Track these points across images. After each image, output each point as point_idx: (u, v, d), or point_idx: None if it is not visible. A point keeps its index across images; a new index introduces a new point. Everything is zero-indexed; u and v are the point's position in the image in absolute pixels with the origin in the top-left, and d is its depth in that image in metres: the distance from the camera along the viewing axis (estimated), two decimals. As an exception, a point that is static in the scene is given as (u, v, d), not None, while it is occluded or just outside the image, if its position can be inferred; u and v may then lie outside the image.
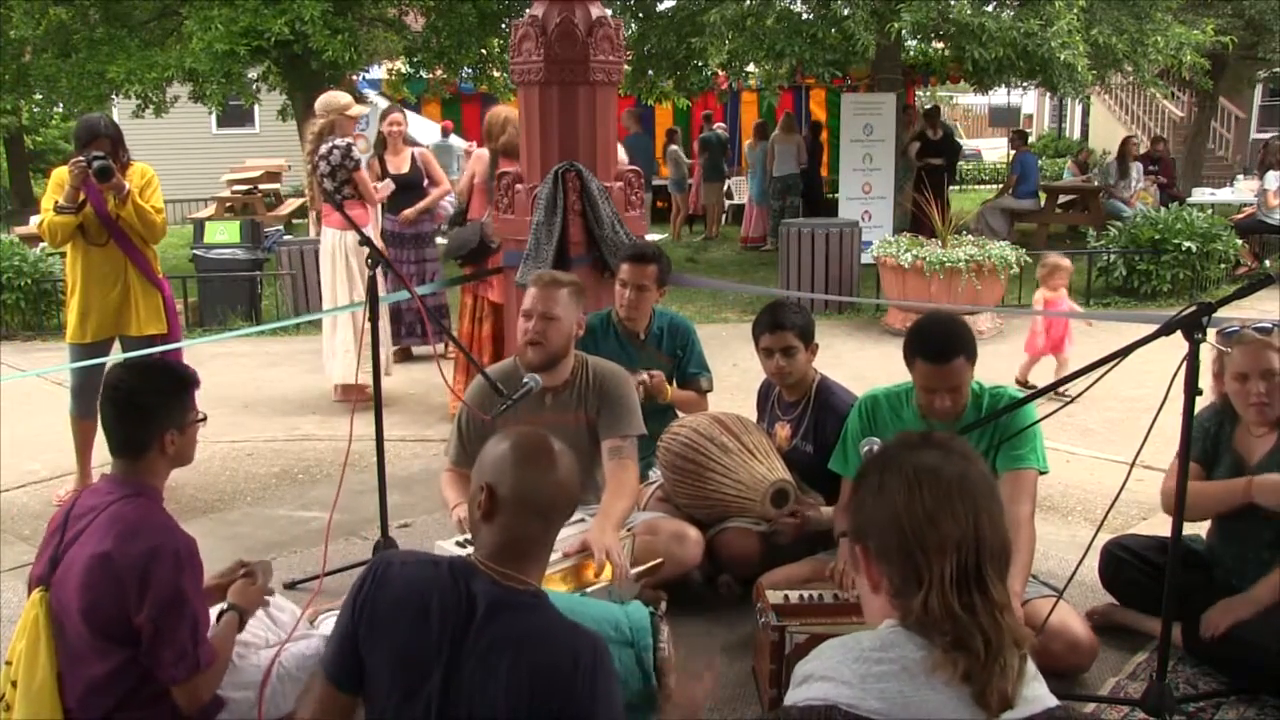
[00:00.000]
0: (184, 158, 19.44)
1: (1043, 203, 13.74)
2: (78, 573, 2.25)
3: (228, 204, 15.55)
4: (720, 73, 12.56)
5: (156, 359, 2.64)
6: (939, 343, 2.93)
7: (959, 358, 2.92)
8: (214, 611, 2.62)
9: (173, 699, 2.30)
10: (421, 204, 7.10)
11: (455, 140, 15.62)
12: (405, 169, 7.13)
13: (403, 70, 13.54)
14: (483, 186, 5.80)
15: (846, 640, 1.44)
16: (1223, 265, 9.66)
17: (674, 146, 15.43)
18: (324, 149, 6.03)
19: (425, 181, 7.22)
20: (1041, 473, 3.03)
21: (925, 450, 1.45)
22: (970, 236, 8.92)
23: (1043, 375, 6.19)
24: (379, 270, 3.57)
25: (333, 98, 6.23)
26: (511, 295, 4.66)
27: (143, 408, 2.43)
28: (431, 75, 13.45)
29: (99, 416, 2.49)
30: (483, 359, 5.68)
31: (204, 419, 2.58)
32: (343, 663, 1.88)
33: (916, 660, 1.35)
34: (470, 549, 1.94)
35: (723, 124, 17.55)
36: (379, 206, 6.58)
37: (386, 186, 6.66)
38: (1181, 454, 2.61)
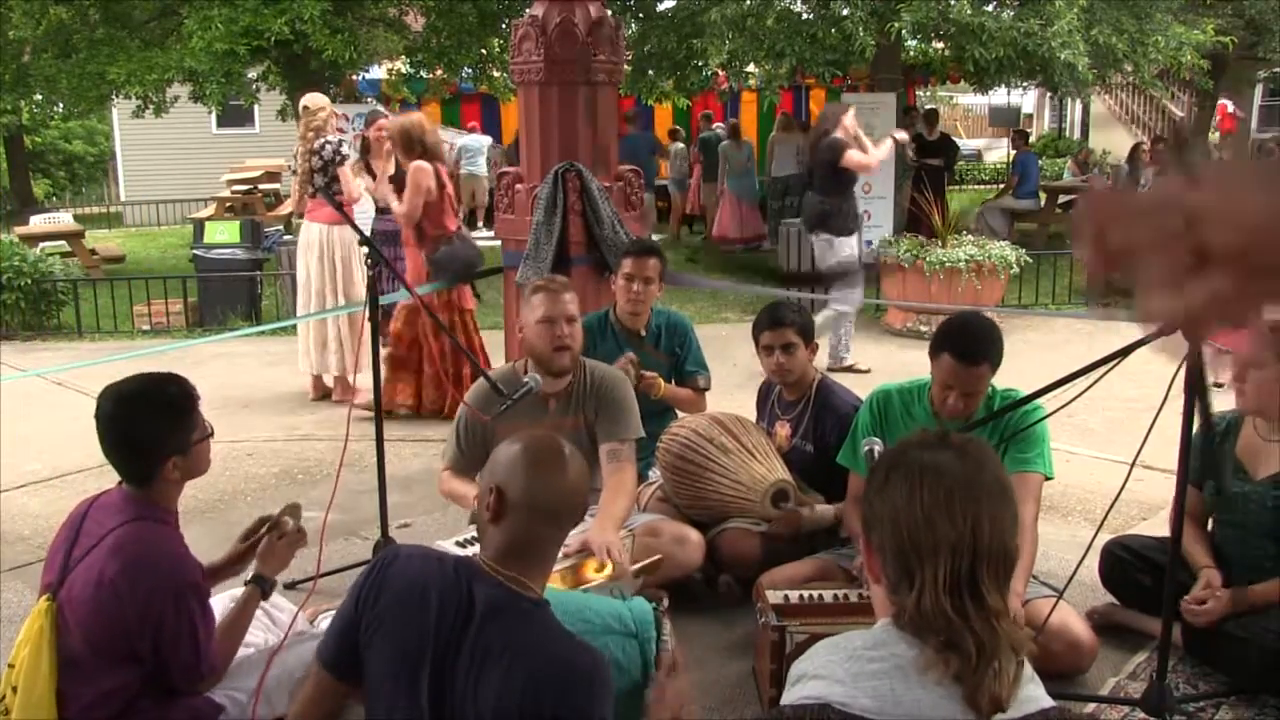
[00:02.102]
0: (184, 158, 19.44)
1: (1043, 203, 13.74)
2: (85, 597, 2.27)
3: (228, 204, 15.54)
4: (720, 73, 12.55)
5: (149, 381, 2.43)
6: (973, 344, 2.93)
7: (985, 364, 2.92)
8: (221, 601, 2.62)
9: (170, 709, 2.35)
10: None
11: (481, 138, 15.68)
12: (392, 172, 7.13)
13: (403, 70, 13.54)
14: (438, 198, 5.59)
15: (839, 640, 1.44)
16: (1223, 265, 9.66)
17: (678, 144, 15.47)
18: (317, 144, 6.14)
19: None
20: (1047, 478, 3.03)
21: (938, 450, 1.44)
22: (970, 236, 8.93)
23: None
24: (376, 269, 3.58)
25: (319, 96, 6.36)
26: (513, 297, 4.66)
27: (138, 442, 2.36)
28: (431, 75, 13.46)
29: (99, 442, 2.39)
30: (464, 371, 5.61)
31: (210, 434, 2.48)
32: (340, 650, 1.89)
33: (908, 659, 1.35)
34: (471, 549, 1.94)
35: (723, 124, 17.55)
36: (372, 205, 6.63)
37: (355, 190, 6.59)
38: (1181, 453, 2.61)
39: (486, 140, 15.86)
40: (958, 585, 1.35)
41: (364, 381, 6.10)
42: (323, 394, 6.47)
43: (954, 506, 1.37)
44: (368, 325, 3.58)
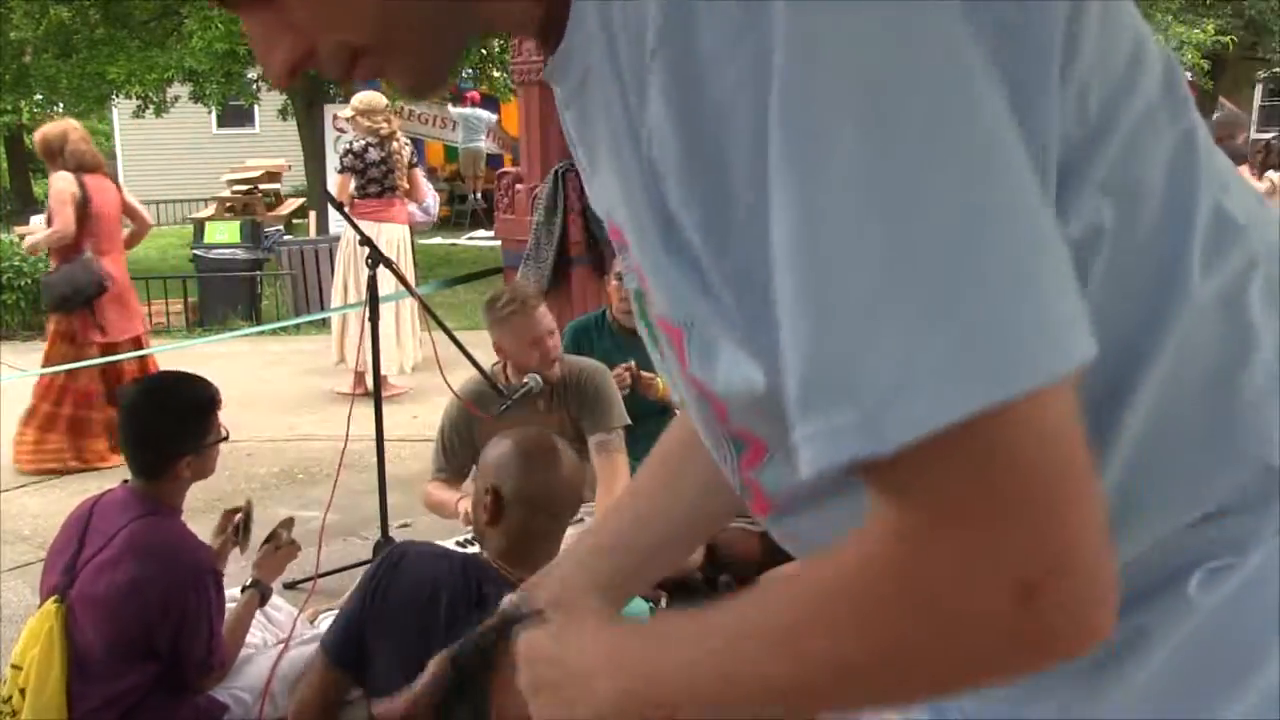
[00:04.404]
0: (184, 158, 19.43)
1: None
2: (102, 596, 2.27)
3: (228, 204, 15.52)
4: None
5: (175, 379, 2.52)
6: None
7: None
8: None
9: (176, 710, 2.35)
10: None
11: (481, 112, 15.60)
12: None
13: (403, 70, 13.54)
14: (79, 216, 4.96)
15: None
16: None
17: None
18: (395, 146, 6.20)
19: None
20: None
21: None
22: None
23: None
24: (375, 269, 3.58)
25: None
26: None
27: (157, 435, 2.40)
28: (432, 75, 13.46)
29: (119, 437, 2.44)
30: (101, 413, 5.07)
31: (225, 437, 2.53)
32: (346, 644, 1.91)
33: None
34: (471, 549, 1.95)
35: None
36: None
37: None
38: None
39: (485, 115, 15.76)
40: None
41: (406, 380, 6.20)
42: (365, 390, 6.43)
43: None
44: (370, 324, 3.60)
